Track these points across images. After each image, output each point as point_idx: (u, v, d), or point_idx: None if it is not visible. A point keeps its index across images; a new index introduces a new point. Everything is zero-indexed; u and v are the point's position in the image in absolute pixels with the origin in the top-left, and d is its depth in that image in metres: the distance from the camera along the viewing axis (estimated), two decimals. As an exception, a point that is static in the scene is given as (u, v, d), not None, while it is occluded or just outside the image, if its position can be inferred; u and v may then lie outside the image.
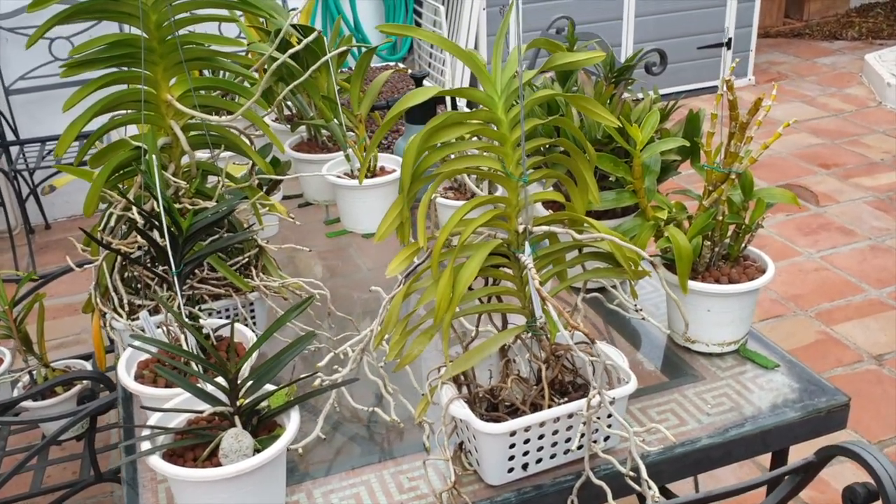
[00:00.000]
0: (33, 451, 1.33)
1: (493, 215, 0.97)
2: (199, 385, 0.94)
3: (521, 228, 0.98)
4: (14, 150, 3.46)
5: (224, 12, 1.16)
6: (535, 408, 1.01)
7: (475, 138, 1.01)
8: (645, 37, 4.76)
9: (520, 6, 0.92)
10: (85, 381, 1.58)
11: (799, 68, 5.45)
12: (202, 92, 1.15)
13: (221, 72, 1.31)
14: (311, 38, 1.19)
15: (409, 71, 1.78)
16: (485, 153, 0.99)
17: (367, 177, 1.67)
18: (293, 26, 1.64)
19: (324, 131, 1.83)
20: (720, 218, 1.19)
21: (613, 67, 1.48)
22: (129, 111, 1.16)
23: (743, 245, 1.23)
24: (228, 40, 1.17)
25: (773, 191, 1.22)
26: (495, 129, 0.96)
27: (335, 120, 1.68)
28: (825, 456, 0.96)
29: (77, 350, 2.76)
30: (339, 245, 1.76)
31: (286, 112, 1.97)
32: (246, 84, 1.26)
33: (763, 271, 1.21)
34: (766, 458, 1.22)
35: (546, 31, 2.61)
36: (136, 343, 0.97)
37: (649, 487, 0.89)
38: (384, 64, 2.84)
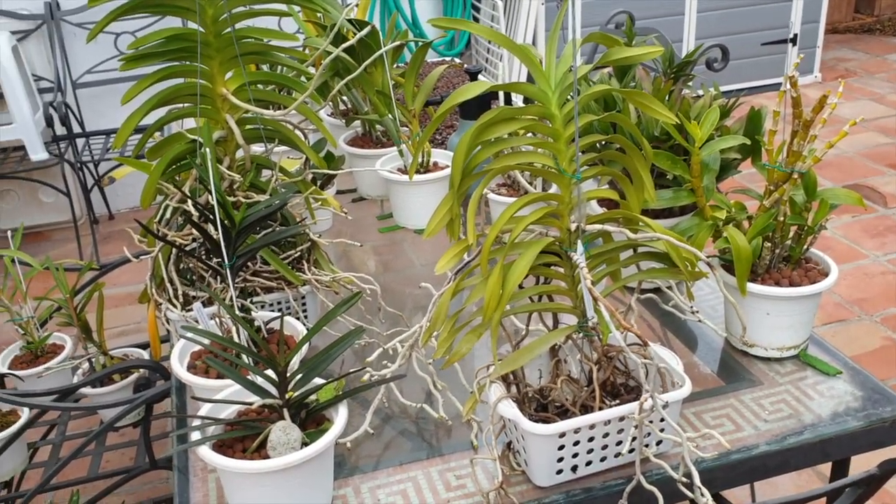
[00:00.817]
0: (91, 437, 1.36)
1: (544, 213, 0.95)
2: (248, 377, 0.94)
3: (573, 226, 0.97)
4: (80, 142, 3.55)
5: (282, 7, 1.17)
6: (586, 409, 0.99)
7: (529, 134, 1.00)
8: (707, 32, 4.66)
9: (575, 1, 0.90)
10: (141, 370, 1.62)
11: (868, 65, 5.27)
12: (259, 86, 1.16)
13: (278, 67, 1.31)
14: (363, 32, 1.19)
15: (465, 66, 1.76)
16: (538, 149, 0.98)
17: (419, 172, 1.67)
18: (349, 21, 1.64)
19: (378, 126, 1.83)
20: (781, 218, 1.15)
21: (672, 63, 1.45)
22: (186, 105, 1.17)
23: (805, 247, 1.19)
24: (286, 35, 1.18)
25: (837, 191, 1.18)
26: (548, 124, 0.94)
27: (389, 115, 1.68)
28: (889, 469, 0.92)
29: (138, 338, 2.82)
30: (394, 240, 1.76)
31: (341, 107, 1.98)
32: (302, 79, 1.26)
33: (826, 274, 1.17)
34: (826, 467, 1.18)
35: (605, 26, 2.57)
36: (188, 334, 0.98)
37: (702, 495, 0.87)
38: (441, 59, 2.84)
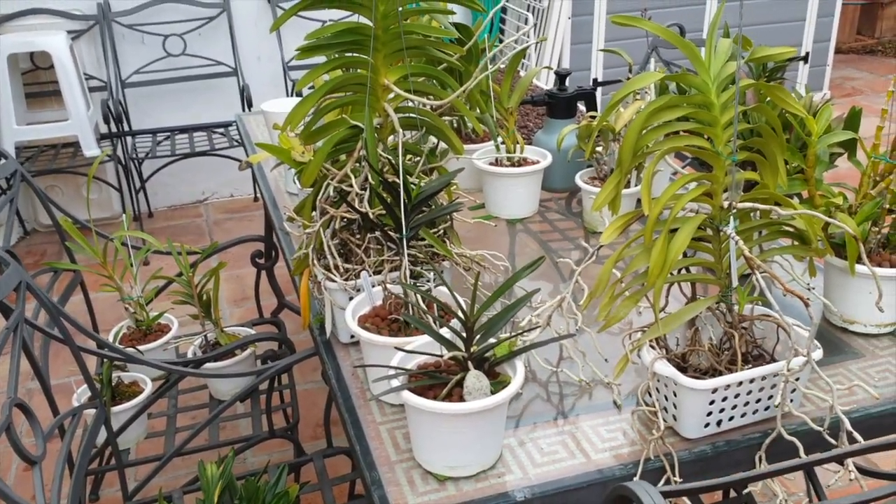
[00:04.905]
0: (226, 404, 1.46)
1: (702, 191, 1.07)
2: (436, 332, 1.05)
3: (725, 204, 1.08)
4: (128, 140, 3.64)
5: (438, 5, 1.28)
6: (722, 374, 1.10)
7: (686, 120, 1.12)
8: (724, 49, 4.81)
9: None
10: (255, 345, 1.71)
11: (874, 84, 5.47)
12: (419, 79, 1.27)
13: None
14: (524, 40, 1.30)
15: (555, 69, 1.89)
16: (693, 134, 1.09)
17: (512, 166, 1.79)
18: (452, 24, 1.77)
19: (468, 123, 1.95)
20: (886, 206, 1.28)
21: (766, 67, 1.58)
22: (348, 93, 1.28)
23: (904, 233, 1.32)
24: (441, 31, 1.29)
25: (937, 182, 1.30)
26: (708, 111, 1.06)
27: (488, 113, 1.80)
28: None
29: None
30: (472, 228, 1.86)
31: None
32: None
33: (925, 257, 1.29)
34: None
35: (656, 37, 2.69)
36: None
37: (853, 440, 0.98)
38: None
